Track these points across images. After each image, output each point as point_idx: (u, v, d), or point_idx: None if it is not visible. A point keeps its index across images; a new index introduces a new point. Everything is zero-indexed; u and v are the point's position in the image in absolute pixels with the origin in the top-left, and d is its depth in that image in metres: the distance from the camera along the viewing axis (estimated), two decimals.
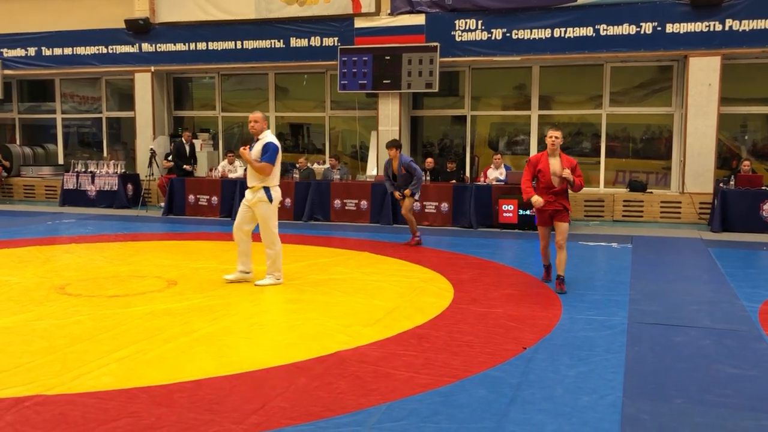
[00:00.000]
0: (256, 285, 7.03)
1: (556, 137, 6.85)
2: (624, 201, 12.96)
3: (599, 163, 13.96)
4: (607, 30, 12.65)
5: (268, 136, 7.10)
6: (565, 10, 12.84)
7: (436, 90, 13.63)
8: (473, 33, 13.40)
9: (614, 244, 10.16)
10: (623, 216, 12.89)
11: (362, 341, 5.10)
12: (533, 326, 5.58)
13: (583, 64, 13.64)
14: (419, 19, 13.63)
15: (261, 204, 6.99)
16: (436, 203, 12.25)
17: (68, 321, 5.68)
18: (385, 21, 13.84)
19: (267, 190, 7.00)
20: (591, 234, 11.29)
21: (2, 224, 12.34)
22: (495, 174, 12.65)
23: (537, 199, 6.97)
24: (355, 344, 5.02)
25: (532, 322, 5.72)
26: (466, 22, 13.42)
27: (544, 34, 13.01)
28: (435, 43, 13.47)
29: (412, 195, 9.73)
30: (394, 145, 9.78)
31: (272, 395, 4.01)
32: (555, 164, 6.92)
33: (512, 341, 5.15)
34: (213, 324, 5.59)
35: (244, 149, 7.13)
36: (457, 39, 13.48)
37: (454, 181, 12.68)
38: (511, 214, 11.65)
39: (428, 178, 12.71)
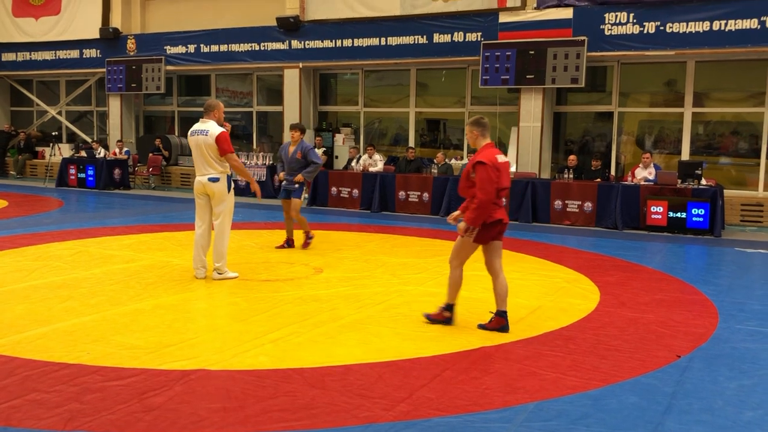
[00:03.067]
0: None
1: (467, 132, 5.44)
2: None
3: (758, 164, 12.99)
4: None
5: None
6: (726, 1, 12.03)
7: (582, 85, 13.21)
8: (624, 26, 12.85)
9: None
10: None
11: (506, 339, 5.06)
12: (687, 334, 5.31)
13: (745, 59, 12.72)
14: (566, 13, 13.26)
15: None
16: (579, 202, 11.89)
17: (225, 302, 6.05)
18: (530, 15, 13.59)
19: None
20: (748, 240, 10.56)
21: (162, 209, 13.31)
22: (644, 173, 12.09)
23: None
24: (499, 341, 5.00)
25: (686, 330, 5.44)
26: (616, 15, 12.89)
27: (701, 27, 12.26)
28: (582, 37, 13.06)
29: (302, 183, 8.86)
30: (298, 127, 9.00)
31: (418, 385, 4.07)
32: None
33: (664, 348, 4.92)
34: (359, 312, 5.75)
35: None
36: (606, 33, 12.98)
37: (598, 179, 12.26)
38: (660, 216, 11.11)
39: (571, 176, 12.37)
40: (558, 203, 12.04)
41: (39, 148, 20.63)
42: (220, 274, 6.89)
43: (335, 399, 3.85)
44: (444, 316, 5.42)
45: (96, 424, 3.45)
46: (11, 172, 20.33)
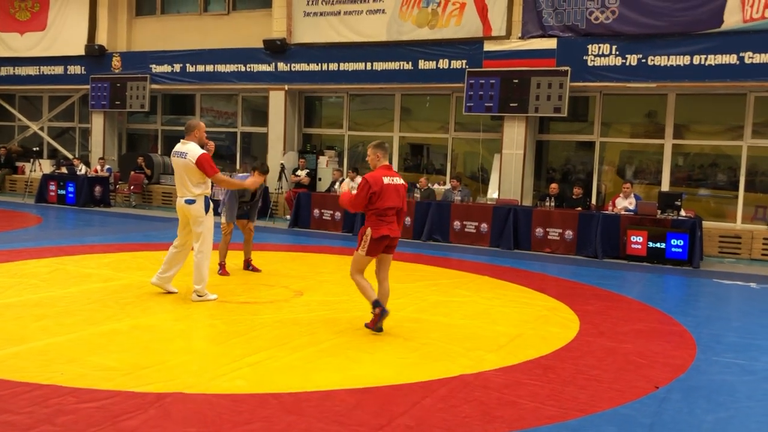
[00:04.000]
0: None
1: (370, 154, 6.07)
2: (764, 239, 12.13)
3: (737, 197, 13.18)
4: (753, 58, 11.97)
5: None
6: (706, 36, 12.27)
7: (565, 115, 13.37)
8: (607, 58, 13.06)
9: (752, 284, 9.54)
10: (762, 255, 12.06)
11: (485, 366, 5.05)
12: (665, 365, 5.33)
13: (723, 93, 12.97)
14: (550, 43, 13.45)
15: None
16: (560, 230, 11.96)
17: (204, 324, 5.99)
18: (515, 44, 13.77)
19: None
20: (726, 272, 10.67)
21: (142, 228, 13.20)
22: (624, 203, 12.21)
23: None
24: (478, 369, 4.98)
25: (664, 360, 5.46)
26: (599, 47, 13.10)
27: (682, 60, 12.48)
28: (566, 68, 13.25)
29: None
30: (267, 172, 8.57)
31: (397, 413, 4.04)
32: None
33: (643, 379, 4.94)
34: (338, 336, 5.71)
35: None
36: (589, 64, 13.18)
37: (579, 208, 12.36)
38: (639, 246, 11.20)
39: (553, 203, 12.46)
40: (539, 231, 12.10)
41: (19, 164, 20.42)
42: (199, 296, 6.82)
43: (312, 426, 3.80)
44: (377, 314, 5.80)
45: None
46: None
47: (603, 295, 8.22)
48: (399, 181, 5.94)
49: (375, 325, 5.81)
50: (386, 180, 5.80)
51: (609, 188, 14.40)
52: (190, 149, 6.70)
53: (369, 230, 5.75)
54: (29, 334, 5.34)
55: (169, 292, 7.06)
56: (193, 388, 4.30)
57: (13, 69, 19.87)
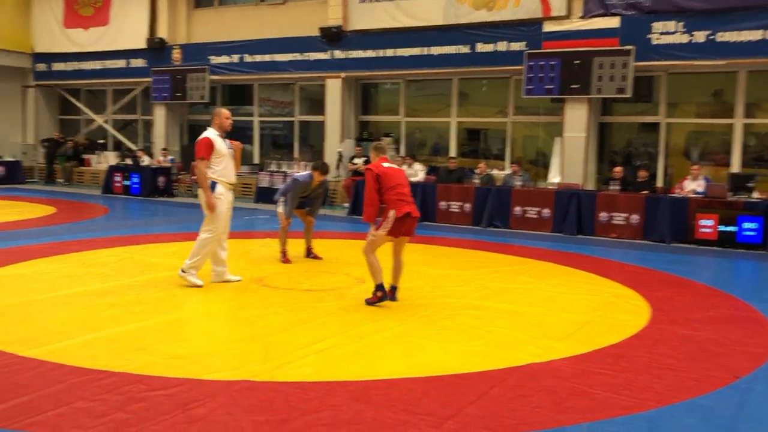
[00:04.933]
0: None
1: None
2: None
3: None
4: None
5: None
6: None
7: (629, 95, 12.96)
8: (672, 36, 12.59)
9: None
10: None
11: (554, 355, 4.92)
12: (744, 354, 5.09)
13: None
14: (613, 22, 13.04)
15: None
16: (626, 214, 11.62)
17: (268, 311, 6.01)
18: (576, 24, 13.40)
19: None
20: None
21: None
22: (692, 186, 11.77)
23: None
24: (547, 357, 4.85)
25: (742, 349, 5.22)
26: (664, 24, 12.64)
27: (754, 35, 11.93)
28: (629, 47, 12.82)
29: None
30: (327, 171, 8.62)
31: (466, 402, 3.96)
32: None
33: (721, 368, 4.73)
34: (402, 324, 5.66)
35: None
36: (654, 42, 12.73)
37: (645, 191, 11.97)
38: (710, 230, 10.79)
39: (617, 187, 12.11)
40: (603, 215, 11.79)
41: (86, 156, 21.05)
42: (183, 272, 6.86)
43: (380, 414, 3.76)
44: (378, 296, 6.20)
45: None
46: (59, 180, 20.78)
47: (672, 281, 7.94)
48: (396, 166, 6.54)
49: (372, 303, 6.21)
50: (385, 165, 6.34)
51: (675, 170, 13.92)
52: (202, 134, 6.89)
53: (392, 211, 6.10)
54: (100, 322, 5.46)
55: (232, 281, 7.11)
56: (259, 375, 4.31)
57: (78, 64, 20.44)
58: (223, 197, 6.91)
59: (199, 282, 6.85)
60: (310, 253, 8.83)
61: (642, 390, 4.25)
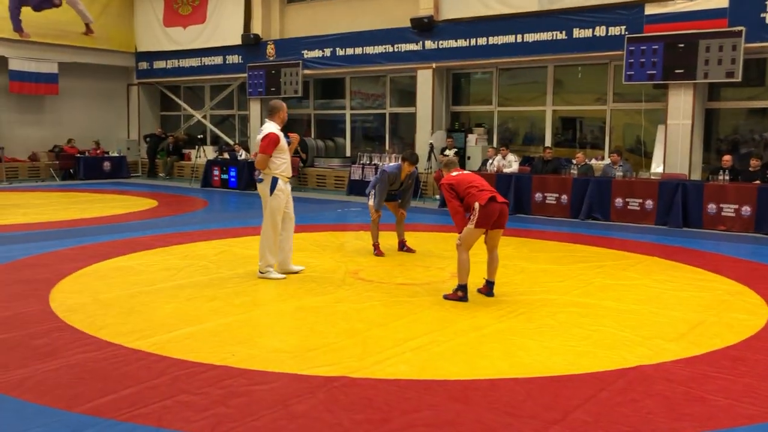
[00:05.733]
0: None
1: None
2: None
3: None
4: None
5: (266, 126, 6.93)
6: None
7: (739, 79, 12.18)
8: None
9: None
10: None
11: (666, 357, 4.64)
12: None
13: None
14: (721, 2, 12.26)
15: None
16: (736, 206, 10.93)
17: (364, 305, 5.98)
18: (680, 6, 12.70)
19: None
20: None
21: (299, 210, 13.55)
22: None
23: None
24: (658, 359, 4.58)
25: None
26: None
27: None
28: (740, 28, 12.03)
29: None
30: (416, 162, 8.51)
31: (572, 406, 3.78)
32: None
33: None
34: (500, 321, 5.50)
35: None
36: None
37: (758, 181, 11.23)
38: None
39: (727, 177, 11.42)
40: (712, 207, 11.15)
41: (186, 151, 21.80)
42: (262, 273, 6.95)
43: (481, 416, 3.63)
44: (458, 296, 6.11)
45: (242, 430, 3.43)
46: (161, 174, 21.63)
47: None
48: (468, 172, 6.74)
49: (449, 299, 6.13)
50: (454, 173, 6.48)
51: None
52: (266, 128, 6.92)
53: (476, 203, 5.98)
54: (202, 314, 5.57)
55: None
56: (358, 372, 4.26)
57: (178, 62, 21.16)
58: (282, 193, 7.00)
59: (280, 276, 6.97)
60: (403, 246, 8.76)
61: (766, 398, 3.93)
